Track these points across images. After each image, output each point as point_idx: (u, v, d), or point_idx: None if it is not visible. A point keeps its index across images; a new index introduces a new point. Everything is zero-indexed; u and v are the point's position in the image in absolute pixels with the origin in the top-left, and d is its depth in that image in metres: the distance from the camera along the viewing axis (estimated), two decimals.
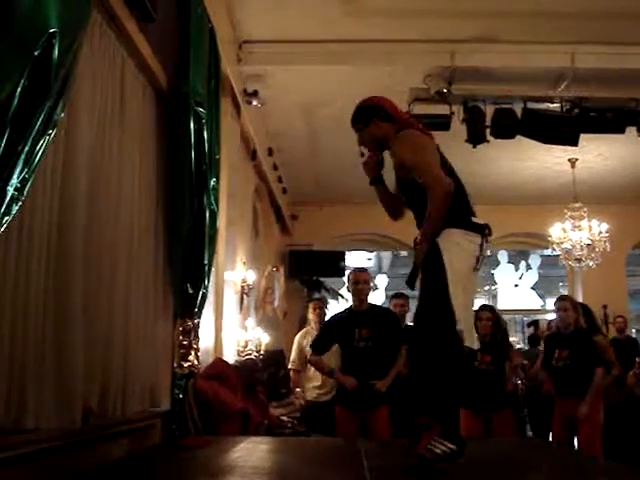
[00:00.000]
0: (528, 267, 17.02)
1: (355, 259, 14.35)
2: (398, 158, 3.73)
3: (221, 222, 5.75)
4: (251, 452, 4.17)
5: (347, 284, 5.87)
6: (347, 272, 6.57)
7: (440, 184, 3.45)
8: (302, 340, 7.47)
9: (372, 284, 5.94)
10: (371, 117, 3.93)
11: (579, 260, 10.54)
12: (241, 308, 7.88)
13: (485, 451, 4.17)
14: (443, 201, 3.43)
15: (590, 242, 10.40)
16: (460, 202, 3.60)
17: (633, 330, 14.86)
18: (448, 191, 3.45)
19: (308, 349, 7.27)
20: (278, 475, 3.46)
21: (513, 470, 3.50)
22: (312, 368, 7.21)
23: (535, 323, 10.63)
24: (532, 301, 16.75)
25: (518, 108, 7.67)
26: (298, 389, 7.36)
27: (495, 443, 5.01)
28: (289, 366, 7.44)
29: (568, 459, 4.23)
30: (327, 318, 7.61)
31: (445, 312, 3.37)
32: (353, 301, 5.75)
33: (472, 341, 3.75)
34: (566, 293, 13.82)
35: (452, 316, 3.37)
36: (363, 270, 6.00)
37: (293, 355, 7.51)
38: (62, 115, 2.65)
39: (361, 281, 5.66)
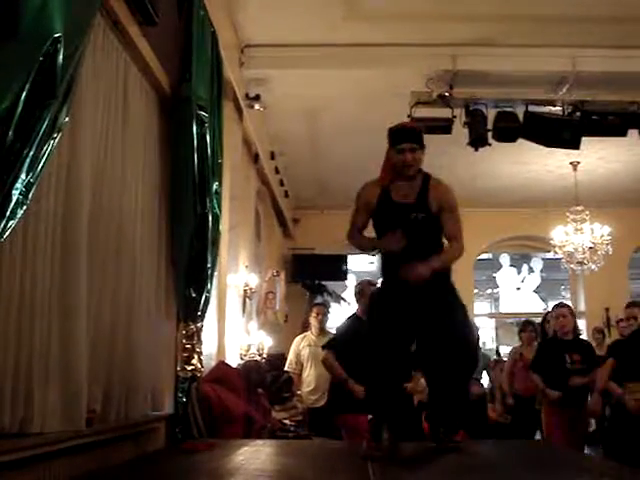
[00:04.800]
0: (530, 270, 16.97)
1: (357, 263, 14.33)
2: (448, 199, 4.11)
3: (223, 226, 5.76)
4: (255, 455, 4.17)
5: (359, 295, 5.86)
6: (357, 282, 6.55)
7: (462, 247, 4.12)
8: (299, 344, 7.49)
9: None
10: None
11: (581, 263, 10.52)
12: (244, 312, 7.89)
13: (491, 453, 4.18)
14: (459, 256, 4.12)
15: (592, 245, 10.39)
16: None
17: None
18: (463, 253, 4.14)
19: (304, 353, 7.30)
20: (282, 478, 3.46)
21: (520, 471, 3.50)
22: (306, 372, 7.23)
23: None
24: (534, 304, 16.71)
25: (520, 111, 7.66)
26: (299, 392, 7.37)
27: (502, 445, 5.00)
28: (286, 368, 7.45)
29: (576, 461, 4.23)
30: (329, 322, 7.65)
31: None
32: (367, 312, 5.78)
33: None
34: (568, 296, 13.85)
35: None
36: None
37: (290, 357, 7.52)
38: (66, 119, 2.66)
39: None
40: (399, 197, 4.06)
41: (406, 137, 4.05)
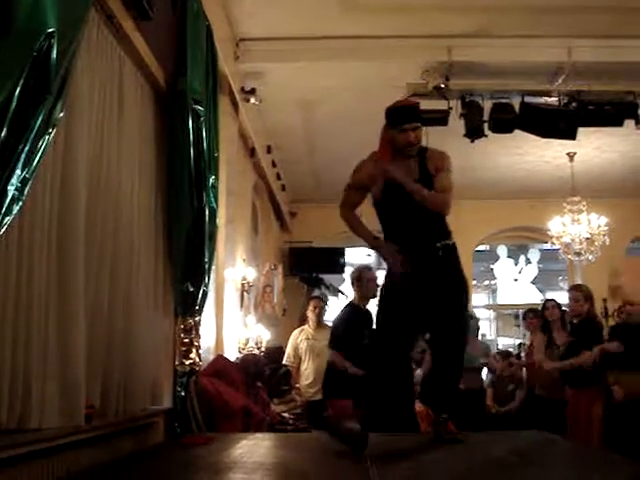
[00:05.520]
0: (527, 261, 16.96)
1: (355, 255, 14.33)
2: (443, 162, 4.07)
3: (221, 220, 5.75)
4: (254, 449, 4.18)
5: (358, 281, 5.85)
6: (354, 269, 6.57)
7: (450, 202, 4.02)
8: (297, 337, 7.50)
9: None
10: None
11: (578, 254, 10.55)
12: (242, 305, 7.89)
13: (492, 446, 4.18)
14: (444, 206, 4.00)
15: (589, 236, 10.41)
16: None
17: None
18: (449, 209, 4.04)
19: (302, 346, 7.31)
20: (281, 471, 3.47)
21: (520, 464, 3.50)
22: (304, 365, 7.25)
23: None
24: (532, 295, 16.71)
25: (516, 102, 7.66)
26: (298, 385, 7.39)
27: (501, 437, 4.99)
28: (284, 361, 7.46)
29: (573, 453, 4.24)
30: (326, 315, 7.66)
31: None
32: (365, 298, 5.78)
33: None
34: (566, 287, 13.84)
35: None
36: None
37: (288, 351, 7.53)
38: (61, 115, 2.65)
39: (376, 279, 5.75)
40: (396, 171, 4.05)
41: (409, 117, 4.01)
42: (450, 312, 4.08)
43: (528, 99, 7.67)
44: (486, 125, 7.76)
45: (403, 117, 4.00)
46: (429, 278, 4.03)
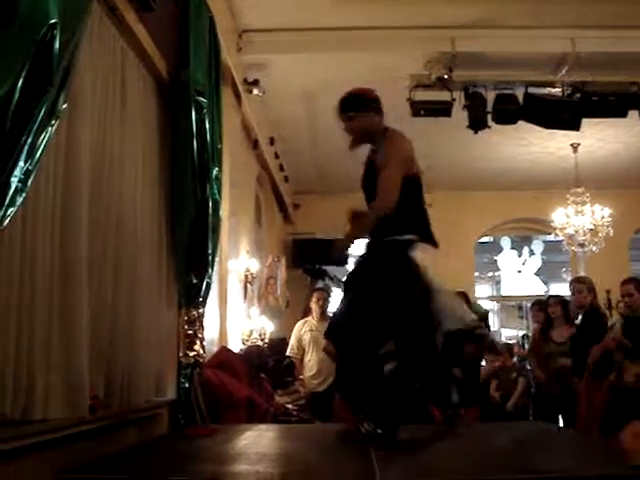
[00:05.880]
0: (531, 253, 16.96)
1: (358, 246, 14.33)
2: (386, 153, 3.96)
3: (224, 212, 5.75)
4: (258, 439, 4.19)
5: None
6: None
7: (385, 203, 3.84)
8: (301, 328, 7.50)
9: None
10: (365, 107, 4.10)
11: (582, 245, 10.54)
12: (245, 297, 7.90)
13: (493, 435, 4.19)
14: (383, 212, 3.84)
15: (593, 227, 10.40)
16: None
17: None
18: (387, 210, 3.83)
19: (305, 337, 7.31)
20: (285, 461, 3.47)
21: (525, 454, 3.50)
22: (307, 357, 7.25)
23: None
24: (536, 287, 16.71)
25: (519, 93, 7.64)
26: (301, 376, 7.40)
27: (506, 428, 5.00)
28: (287, 353, 7.47)
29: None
30: (330, 307, 7.66)
31: None
32: None
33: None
34: (569, 279, 13.82)
35: None
36: None
37: (292, 342, 7.54)
38: (64, 106, 2.65)
39: None
40: (374, 158, 4.11)
41: (350, 105, 4.12)
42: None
43: (532, 90, 7.66)
44: (490, 116, 7.74)
45: (347, 105, 4.11)
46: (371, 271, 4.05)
